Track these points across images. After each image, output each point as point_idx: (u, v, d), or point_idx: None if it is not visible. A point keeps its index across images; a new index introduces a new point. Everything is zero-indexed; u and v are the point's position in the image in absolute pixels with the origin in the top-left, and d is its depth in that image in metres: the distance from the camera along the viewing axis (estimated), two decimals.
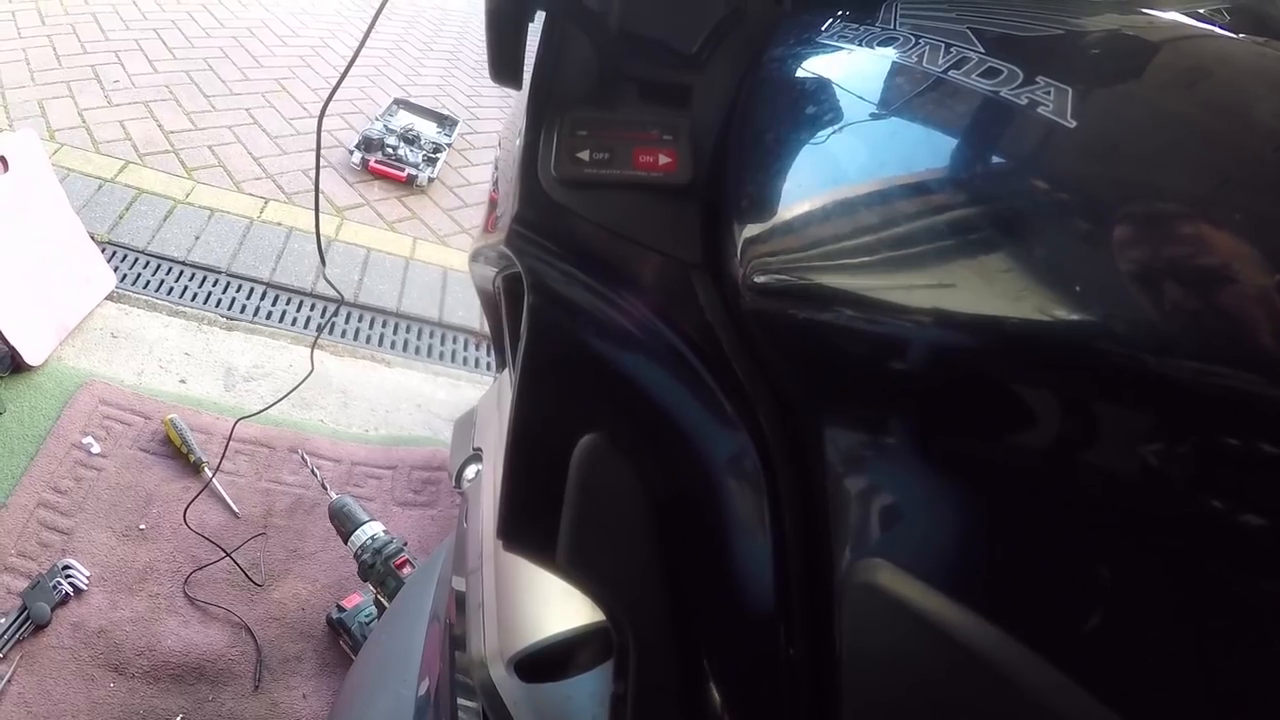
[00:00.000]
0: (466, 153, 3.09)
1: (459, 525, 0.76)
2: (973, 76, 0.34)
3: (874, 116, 0.40)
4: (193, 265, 2.07)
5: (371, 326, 2.11)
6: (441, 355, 2.09)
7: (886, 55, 0.41)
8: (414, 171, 2.73)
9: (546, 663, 0.52)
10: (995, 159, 0.33)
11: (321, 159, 2.70)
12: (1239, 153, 0.27)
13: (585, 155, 0.46)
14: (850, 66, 0.44)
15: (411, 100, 3.18)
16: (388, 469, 1.67)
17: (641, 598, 0.42)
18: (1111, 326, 0.25)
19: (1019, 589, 0.30)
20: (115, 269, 1.90)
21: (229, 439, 1.47)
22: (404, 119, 3.05)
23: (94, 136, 2.36)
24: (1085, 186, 0.28)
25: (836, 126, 0.41)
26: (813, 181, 0.41)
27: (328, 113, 3.15)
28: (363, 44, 0.93)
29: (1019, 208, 0.30)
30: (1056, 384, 0.28)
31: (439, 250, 2.47)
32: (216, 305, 1.98)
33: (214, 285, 2.04)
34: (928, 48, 0.38)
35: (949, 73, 0.36)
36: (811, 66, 0.47)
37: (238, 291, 2.05)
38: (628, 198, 0.47)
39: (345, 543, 1.28)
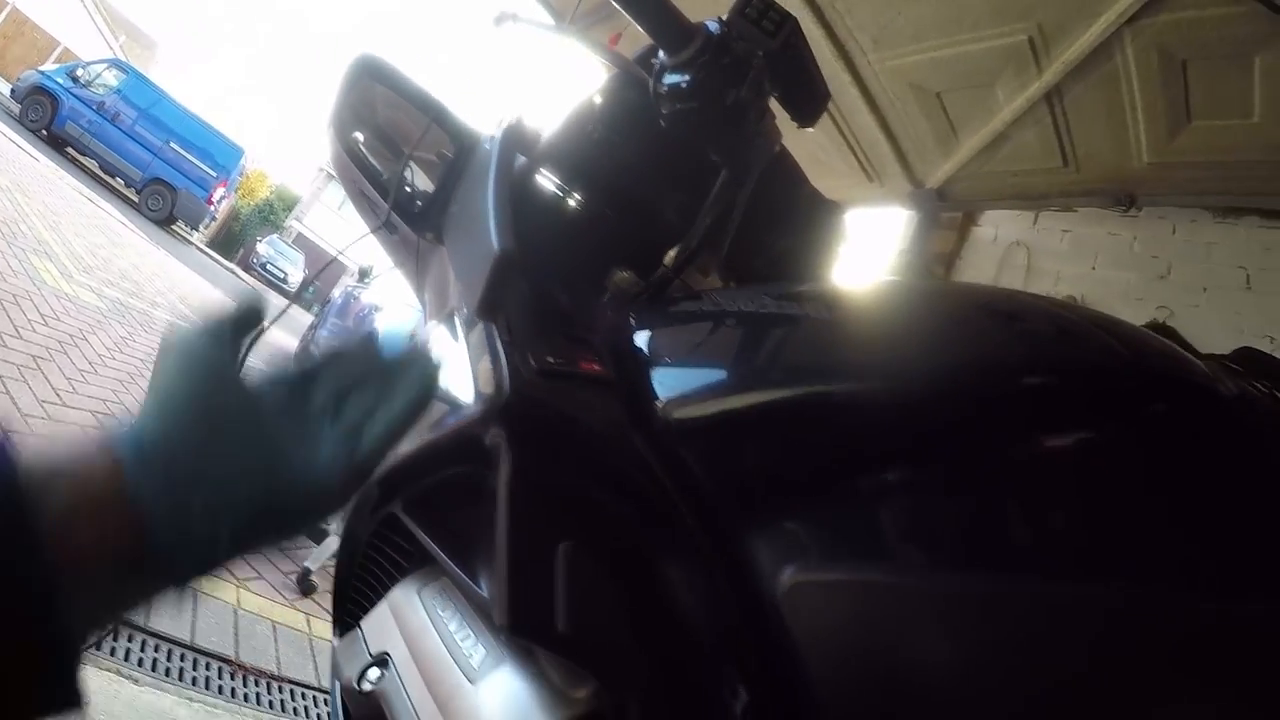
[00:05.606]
0: None
1: None
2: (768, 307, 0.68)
3: (723, 327, 0.70)
4: None
5: (116, 639, 2.00)
6: (194, 681, 2.02)
7: (720, 303, 0.75)
8: None
9: None
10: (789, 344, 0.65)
11: None
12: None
13: (551, 360, 0.63)
14: (701, 313, 0.77)
15: None
16: None
17: (630, 662, 0.51)
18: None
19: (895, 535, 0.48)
20: None
21: None
22: None
23: None
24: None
25: (701, 339, 0.72)
26: (692, 368, 0.67)
27: (79, 406, 3.21)
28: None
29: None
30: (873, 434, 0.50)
31: None
32: None
33: None
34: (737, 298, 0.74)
35: (752, 308, 0.69)
36: (678, 313, 0.79)
37: None
38: (581, 385, 0.64)
39: None
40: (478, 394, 0.61)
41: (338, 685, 0.76)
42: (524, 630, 0.50)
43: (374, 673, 0.66)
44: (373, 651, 0.67)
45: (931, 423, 0.49)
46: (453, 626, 0.61)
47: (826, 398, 0.53)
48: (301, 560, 2.86)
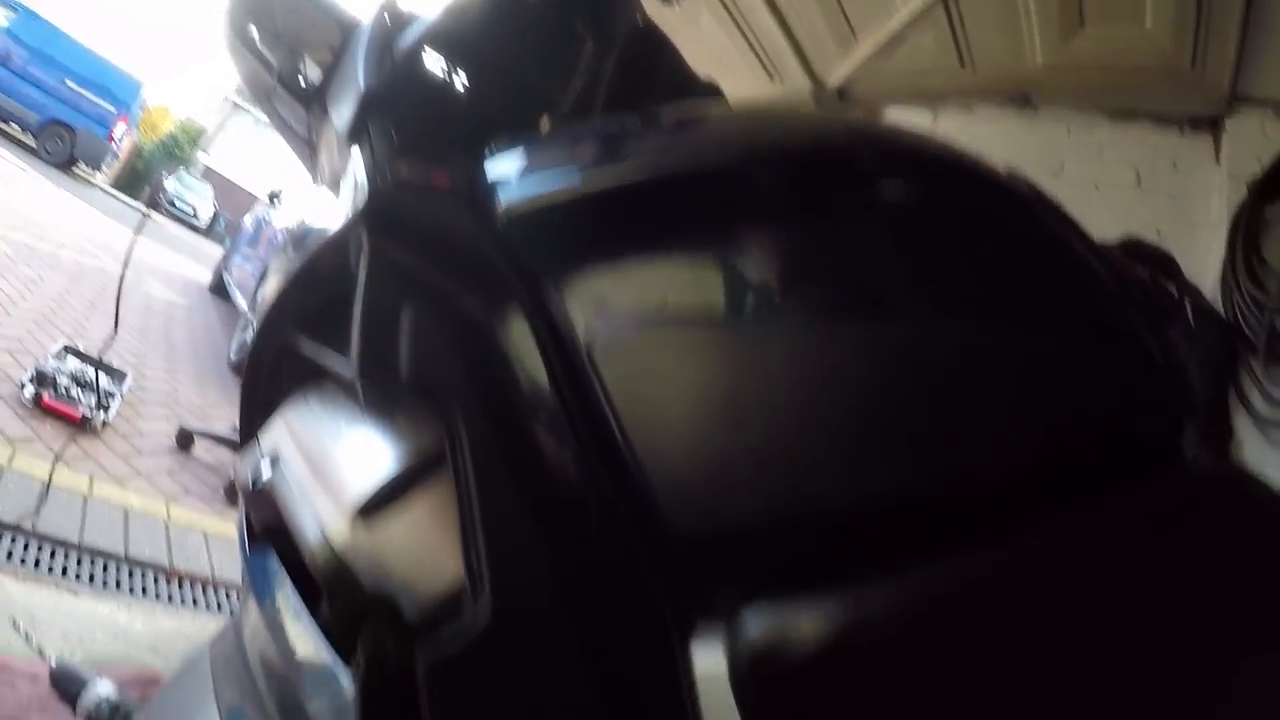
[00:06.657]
0: (137, 405, 3.12)
1: None
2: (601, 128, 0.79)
3: (561, 148, 0.83)
4: None
5: (54, 557, 2.03)
6: (132, 590, 2.07)
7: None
8: (88, 413, 2.71)
9: None
10: None
11: None
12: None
13: (406, 172, 0.69)
14: (546, 139, 0.87)
15: (80, 350, 3.17)
16: None
17: (467, 408, 0.56)
18: None
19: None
20: None
21: None
22: (74, 364, 3.02)
23: None
24: None
25: (543, 158, 0.75)
26: (529, 175, 0.71)
27: None
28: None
29: None
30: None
31: (118, 491, 2.46)
32: None
33: None
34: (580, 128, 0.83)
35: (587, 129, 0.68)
36: (526, 141, 0.82)
37: None
38: (432, 194, 0.70)
39: (74, 711, 1.29)
40: (341, 210, 0.67)
41: (242, 506, 0.81)
42: (371, 375, 0.57)
43: (266, 469, 0.70)
44: (265, 451, 0.73)
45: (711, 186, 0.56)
46: (332, 411, 0.69)
47: (633, 183, 0.59)
48: (228, 471, 2.89)
